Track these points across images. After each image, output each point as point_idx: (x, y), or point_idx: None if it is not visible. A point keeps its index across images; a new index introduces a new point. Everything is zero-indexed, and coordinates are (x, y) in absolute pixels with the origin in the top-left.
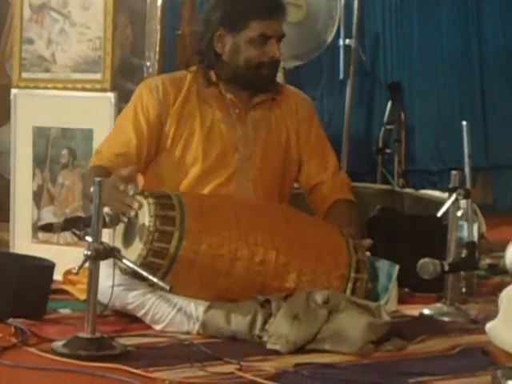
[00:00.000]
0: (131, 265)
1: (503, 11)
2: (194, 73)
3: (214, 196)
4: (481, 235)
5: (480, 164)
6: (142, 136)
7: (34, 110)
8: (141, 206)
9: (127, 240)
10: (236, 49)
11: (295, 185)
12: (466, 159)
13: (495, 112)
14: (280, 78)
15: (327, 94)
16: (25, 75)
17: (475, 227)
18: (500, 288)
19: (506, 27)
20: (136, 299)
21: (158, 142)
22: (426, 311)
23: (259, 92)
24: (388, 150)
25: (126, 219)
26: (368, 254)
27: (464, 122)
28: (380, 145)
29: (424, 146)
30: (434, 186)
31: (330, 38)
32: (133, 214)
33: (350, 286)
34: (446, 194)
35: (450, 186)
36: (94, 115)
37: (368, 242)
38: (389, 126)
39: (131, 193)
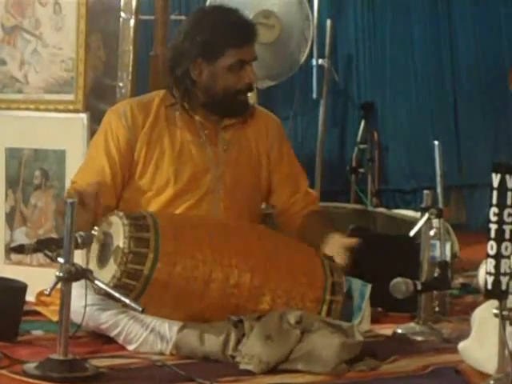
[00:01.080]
0: (104, 286)
1: (475, 30)
2: (163, 95)
3: (189, 217)
4: (454, 254)
5: (453, 183)
6: (115, 164)
7: (7, 130)
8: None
9: (102, 261)
10: (214, 76)
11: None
12: (438, 178)
13: (468, 131)
14: (253, 98)
15: (300, 113)
16: None
17: (448, 246)
18: (473, 307)
19: (478, 46)
20: (109, 319)
21: (130, 169)
22: (399, 330)
23: (235, 116)
24: (361, 170)
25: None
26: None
27: (436, 142)
28: (353, 164)
29: (397, 165)
30: (407, 205)
31: (303, 58)
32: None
33: (325, 308)
34: (418, 214)
35: (423, 205)
36: (67, 136)
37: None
38: (362, 146)
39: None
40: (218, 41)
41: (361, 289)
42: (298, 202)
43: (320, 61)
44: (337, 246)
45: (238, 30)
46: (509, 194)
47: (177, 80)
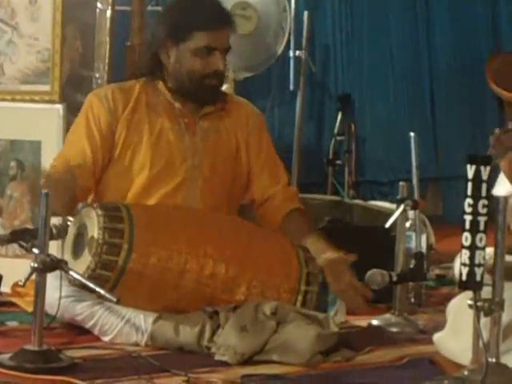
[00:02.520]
0: (78, 277)
1: (453, 23)
2: (143, 82)
3: (163, 207)
4: (429, 246)
5: (430, 175)
6: (96, 145)
7: None
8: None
9: (76, 252)
10: (180, 60)
11: None
12: (414, 170)
13: (445, 123)
14: (230, 89)
15: (277, 105)
16: None
17: (423, 238)
18: (448, 298)
19: (456, 38)
20: (84, 310)
21: (111, 151)
22: (375, 322)
23: (203, 103)
24: (338, 162)
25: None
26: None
27: (412, 134)
28: (330, 156)
29: (374, 157)
30: (384, 197)
31: (280, 50)
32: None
33: (300, 298)
34: (394, 205)
35: (398, 197)
36: (43, 127)
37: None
38: (339, 138)
39: (82, 204)
40: (186, 23)
41: None
42: (278, 195)
43: (297, 52)
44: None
45: (209, 14)
46: (483, 185)
47: (148, 64)
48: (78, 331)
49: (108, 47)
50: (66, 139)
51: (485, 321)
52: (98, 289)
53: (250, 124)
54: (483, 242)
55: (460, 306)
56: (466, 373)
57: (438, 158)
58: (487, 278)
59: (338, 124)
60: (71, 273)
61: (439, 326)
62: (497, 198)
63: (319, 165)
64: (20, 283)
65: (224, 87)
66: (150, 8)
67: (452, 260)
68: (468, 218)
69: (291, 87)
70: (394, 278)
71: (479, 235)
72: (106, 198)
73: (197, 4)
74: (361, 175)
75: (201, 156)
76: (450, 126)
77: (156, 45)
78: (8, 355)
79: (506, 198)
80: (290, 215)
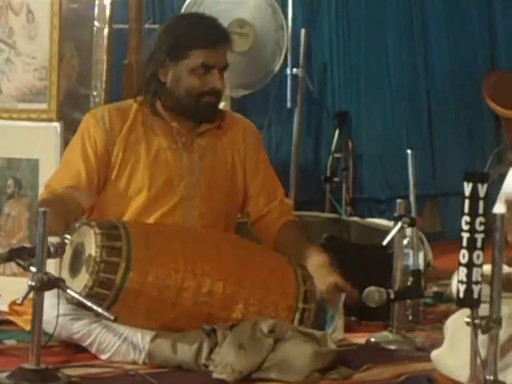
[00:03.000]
0: (76, 295)
1: (450, 40)
2: (140, 102)
3: (161, 225)
4: (427, 263)
5: (428, 192)
6: (91, 167)
7: None
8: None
9: (74, 270)
10: (177, 78)
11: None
12: (411, 187)
13: (442, 140)
14: (227, 107)
15: (275, 122)
16: None
17: (421, 255)
18: (446, 316)
19: (453, 55)
20: (82, 329)
21: (107, 172)
22: (373, 339)
23: (201, 121)
24: (336, 179)
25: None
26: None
27: (409, 151)
28: (328, 173)
29: (372, 174)
30: (382, 215)
31: (277, 67)
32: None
33: (297, 316)
34: (392, 223)
35: (395, 214)
36: (40, 145)
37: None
38: (336, 155)
39: (79, 222)
40: (183, 41)
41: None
42: (274, 210)
43: (294, 70)
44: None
45: (206, 32)
46: (480, 202)
47: (147, 83)
48: (75, 350)
49: (105, 65)
50: (62, 158)
51: (483, 338)
52: (95, 307)
53: (247, 141)
54: (480, 260)
55: (458, 323)
56: None
57: (435, 174)
58: (485, 295)
59: (335, 141)
60: (69, 291)
61: (437, 344)
62: (494, 216)
63: (317, 182)
64: (18, 301)
65: (221, 105)
66: (147, 26)
67: (450, 277)
68: (465, 235)
69: (288, 105)
70: (392, 296)
71: (476, 252)
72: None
73: (194, 23)
74: (358, 192)
75: (198, 174)
76: (447, 142)
77: (154, 64)
78: (6, 374)
79: (503, 216)
80: (285, 225)
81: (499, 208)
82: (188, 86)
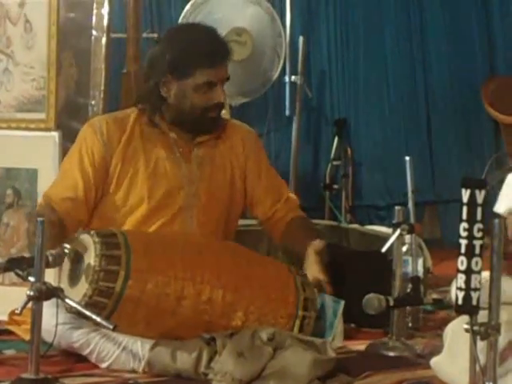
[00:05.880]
0: (75, 305)
1: (449, 47)
2: (138, 112)
3: (160, 233)
4: (427, 270)
5: (427, 198)
6: (89, 179)
7: None
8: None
9: (73, 279)
10: (182, 94)
11: (240, 222)
12: (410, 194)
13: (441, 147)
14: (226, 115)
15: (274, 130)
16: None
17: (420, 262)
18: (446, 322)
19: (452, 62)
20: (81, 338)
21: (104, 184)
22: (373, 346)
23: (203, 134)
24: (335, 186)
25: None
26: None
27: (407, 157)
28: (327, 181)
29: (371, 181)
30: (382, 221)
31: (275, 75)
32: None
33: (297, 323)
34: (391, 230)
35: (394, 221)
36: (39, 155)
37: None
38: (336, 162)
39: (79, 231)
40: (187, 60)
41: (334, 305)
42: (281, 209)
43: (293, 77)
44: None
45: (209, 51)
46: (478, 209)
47: (146, 95)
48: (75, 359)
49: (103, 74)
50: (60, 169)
51: (482, 344)
52: (94, 316)
53: (247, 148)
54: (479, 266)
55: (457, 329)
56: None
57: (434, 181)
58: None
59: (334, 148)
60: (67, 300)
61: (437, 351)
62: (493, 223)
63: (316, 189)
64: (17, 311)
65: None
66: (145, 35)
67: (449, 283)
68: (463, 242)
69: (287, 112)
70: (391, 303)
71: (475, 259)
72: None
73: (196, 40)
74: (358, 199)
75: (197, 184)
76: (446, 149)
77: (156, 77)
78: None
79: (502, 222)
80: (292, 220)
81: (500, 207)
82: (193, 103)
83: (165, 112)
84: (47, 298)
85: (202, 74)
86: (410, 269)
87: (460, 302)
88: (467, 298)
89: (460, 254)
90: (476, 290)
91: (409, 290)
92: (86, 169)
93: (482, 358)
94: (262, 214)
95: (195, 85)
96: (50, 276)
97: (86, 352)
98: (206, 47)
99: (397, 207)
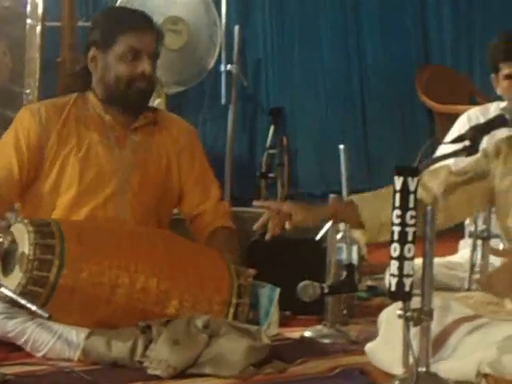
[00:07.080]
0: (9, 293)
1: (383, 36)
2: (75, 97)
3: (94, 222)
4: (361, 257)
5: (362, 186)
6: (23, 160)
7: None
8: (12, 237)
9: (7, 268)
10: (107, 67)
11: (175, 210)
12: (344, 182)
13: (376, 135)
14: (162, 103)
15: (210, 119)
16: None
17: (354, 249)
18: (380, 309)
19: (386, 51)
20: (16, 327)
21: (39, 165)
22: (307, 333)
23: (133, 109)
24: (271, 175)
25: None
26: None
27: (341, 146)
28: (263, 169)
29: (307, 169)
30: None
31: (211, 64)
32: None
33: (231, 311)
34: None
35: None
36: None
37: (251, 271)
38: (271, 151)
39: (12, 220)
40: (110, 29)
41: (269, 293)
42: (208, 212)
43: (228, 66)
44: None
45: (131, 17)
46: (411, 196)
47: (75, 75)
48: (10, 348)
49: (38, 63)
50: None
51: (414, 331)
52: (29, 305)
53: (182, 140)
54: (412, 253)
55: (391, 316)
56: (396, 382)
57: (369, 169)
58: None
59: (270, 137)
60: (2, 289)
61: (371, 337)
62: (424, 210)
63: (252, 178)
64: None
65: (156, 102)
66: (80, 24)
67: (384, 271)
68: (396, 229)
69: (223, 101)
70: (326, 290)
71: (407, 246)
72: (37, 213)
73: (120, 13)
74: (294, 188)
75: (130, 169)
76: (381, 137)
77: (84, 55)
78: None
79: (433, 210)
80: (214, 234)
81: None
82: (117, 73)
83: (96, 90)
84: None
85: (124, 40)
86: (344, 256)
87: (393, 288)
88: (400, 284)
89: (393, 240)
90: (409, 276)
91: (343, 277)
92: (22, 150)
93: (415, 344)
94: (188, 209)
95: (119, 53)
96: None
97: (21, 341)
98: (127, 14)
99: (331, 195)
